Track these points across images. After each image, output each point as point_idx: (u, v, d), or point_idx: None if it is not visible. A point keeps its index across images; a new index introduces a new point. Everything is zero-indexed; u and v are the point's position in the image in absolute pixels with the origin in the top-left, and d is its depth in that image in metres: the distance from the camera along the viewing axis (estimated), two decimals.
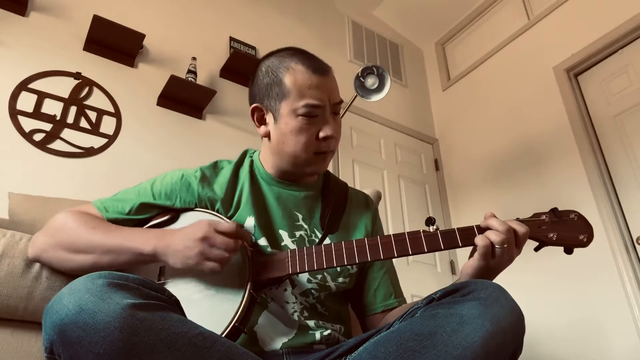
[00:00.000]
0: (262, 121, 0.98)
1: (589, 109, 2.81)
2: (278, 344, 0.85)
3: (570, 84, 2.87)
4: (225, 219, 0.91)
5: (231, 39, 2.93)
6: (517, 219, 0.86)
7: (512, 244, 0.80)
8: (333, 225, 0.99)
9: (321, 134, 0.91)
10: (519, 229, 0.81)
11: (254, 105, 0.98)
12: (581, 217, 0.86)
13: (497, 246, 0.78)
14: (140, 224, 0.94)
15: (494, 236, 0.79)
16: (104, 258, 0.84)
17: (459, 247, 0.82)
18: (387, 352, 0.64)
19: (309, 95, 0.90)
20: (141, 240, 0.83)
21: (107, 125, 2.29)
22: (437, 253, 3.20)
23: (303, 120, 0.90)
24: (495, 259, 0.80)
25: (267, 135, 0.97)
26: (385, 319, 0.99)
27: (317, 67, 0.93)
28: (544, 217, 0.86)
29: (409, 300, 1.06)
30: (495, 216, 0.83)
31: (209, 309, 0.80)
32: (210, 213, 0.93)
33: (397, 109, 3.61)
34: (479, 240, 0.79)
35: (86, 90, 2.29)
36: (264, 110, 0.96)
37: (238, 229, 0.82)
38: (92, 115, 2.26)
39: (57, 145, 2.12)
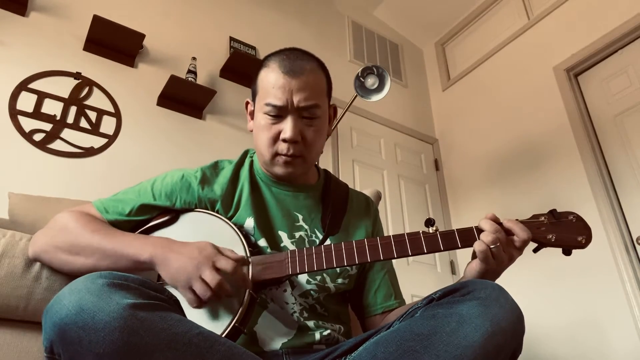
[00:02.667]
0: (252, 116, 1.01)
1: (589, 109, 2.81)
2: (278, 344, 0.85)
3: (570, 84, 2.87)
4: (226, 220, 0.91)
5: (231, 39, 2.93)
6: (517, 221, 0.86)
7: (505, 242, 0.80)
8: (334, 227, 0.98)
9: (281, 136, 0.91)
10: (511, 227, 0.81)
11: (246, 100, 1.02)
12: (580, 219, 0.86)
13: (491, 246, 0.79)
14: (140, 224, 0.94)
15: (484, 237, 0.80)
16: (102, 262, 0.83)
17: (458, 248, 0.83)
18: (387, 352, 0.64)
19: (271, 95, 0.91)
20: (139, 247, 0.82)
21: (107, 125, 2.29)
22: (437, 253, 3.19)
23: (267, 118, 0.92)
24: (496, 260, 0.80)
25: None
26: (385, 320, 0.99)
27: (290, 68, 0.91)
28: (542, 218, 0.86)
29: (408, 301, 1.06)
30: (492, 218, 0.82)
31: (209, 309, 0.80)
32: (210, 214, 0.93)
33: (397, 109, 3.61)
34: (476, 245, 0.80)
35: (86, 90, 2.29)
36: (252, 106, 1.01)
37: (241, 262, 0.81)
38: (92, 115, 2.26)
39: (57, 145, 2.12)
